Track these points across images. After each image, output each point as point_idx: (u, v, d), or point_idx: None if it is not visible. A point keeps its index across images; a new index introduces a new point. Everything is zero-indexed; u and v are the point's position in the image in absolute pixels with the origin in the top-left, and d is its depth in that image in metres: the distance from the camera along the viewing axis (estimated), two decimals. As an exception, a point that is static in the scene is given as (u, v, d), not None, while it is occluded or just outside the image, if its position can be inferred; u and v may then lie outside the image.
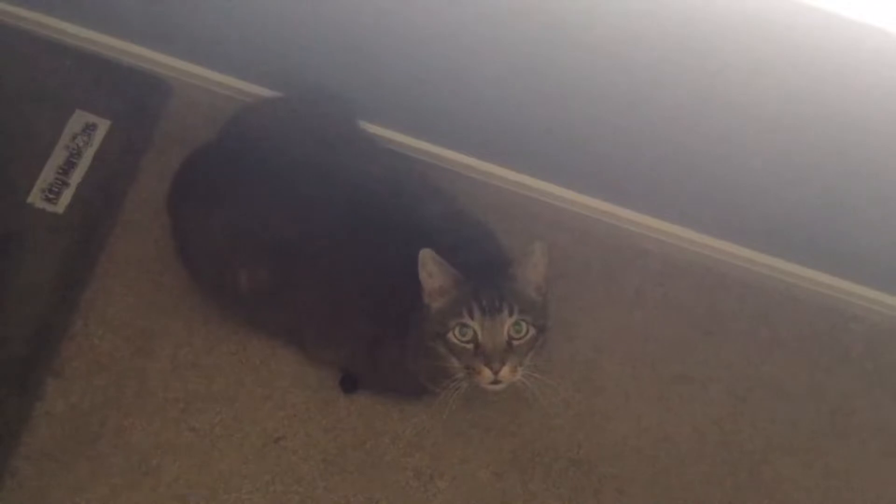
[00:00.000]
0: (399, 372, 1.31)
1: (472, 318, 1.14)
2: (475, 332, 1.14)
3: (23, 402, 1.35)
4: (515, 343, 1.15)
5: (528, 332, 1.16)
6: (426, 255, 1.16)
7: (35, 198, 1.43)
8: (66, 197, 1.44)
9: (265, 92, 1.52)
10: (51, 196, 1.43)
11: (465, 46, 1.28)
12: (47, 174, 1.44)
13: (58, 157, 1.46)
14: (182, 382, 1.41)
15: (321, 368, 1.44)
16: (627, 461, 1.46)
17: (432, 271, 1.17)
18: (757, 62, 1.17)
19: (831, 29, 1.08)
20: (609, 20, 1.16)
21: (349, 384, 1.44)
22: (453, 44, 1.28)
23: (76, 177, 1.45)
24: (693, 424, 1.50)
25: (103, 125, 1.49)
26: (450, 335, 1.15)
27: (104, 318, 1.43)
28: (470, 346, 1.15)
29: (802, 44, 1.12)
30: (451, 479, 1.42)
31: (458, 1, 1.21)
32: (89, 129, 1.48)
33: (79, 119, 1.49)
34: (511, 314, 1.14)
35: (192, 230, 1.34)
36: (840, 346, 1.59)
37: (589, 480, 1.44)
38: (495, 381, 1.15)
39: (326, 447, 1.41)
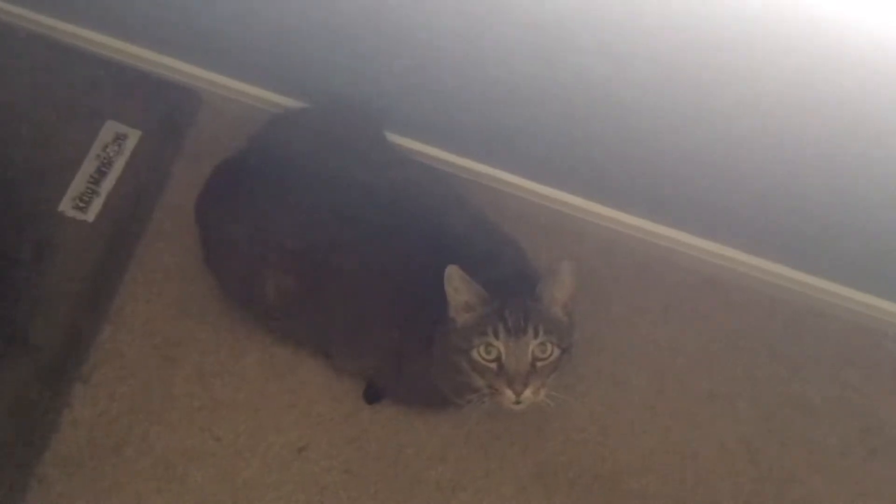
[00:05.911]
0: (423, 384, 1.30)
1: (497, 338, 1.13)
2: (499, 353, 1.13)
3: (51, 408, 1.37)
4: (540, 364, 1.14)
5: (552, 353, 1.15)
6: (453, 271, 1.14)
7: (66, 206, 1.45)
8: (97, 206, 1.45)
9: (293, 103, 1.52)
10: (81, 205, 1.45)
11: (492, 60, 1.27)
12: (78, 183, 1.46)
13: (89, 166, 1.47)
14: (208, 390, 1.42)
15: (346, 379, 1.44)
16: (653, 477, 1.45)
17: (458, 287, 1.16)
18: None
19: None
20: (633, 32, 1.15)
21: (373, 395, 1.44)
22: (479, 57, 1.28)
23: (106, 186, 1.46)
24: (720, 441, 1.49)
25: (134, 135, 1.50)
26: (474, 353, 1.14)
27: (132, 326, 1.45)
28: (493, 365, 1.14)
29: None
30: (475, 492, 1.41)
31: (484, 12, 1.21)
32: (120, 139, 1.49)
33: (110, 129, 1.50)
34: (536, 336, 1.13)
35: (220, 239, 1.35)
36: (871, 363, 1.56)
37: (613, 495, 1.43)
38: (517, 402, 1.14)
39: (350, 457, 1.41)
